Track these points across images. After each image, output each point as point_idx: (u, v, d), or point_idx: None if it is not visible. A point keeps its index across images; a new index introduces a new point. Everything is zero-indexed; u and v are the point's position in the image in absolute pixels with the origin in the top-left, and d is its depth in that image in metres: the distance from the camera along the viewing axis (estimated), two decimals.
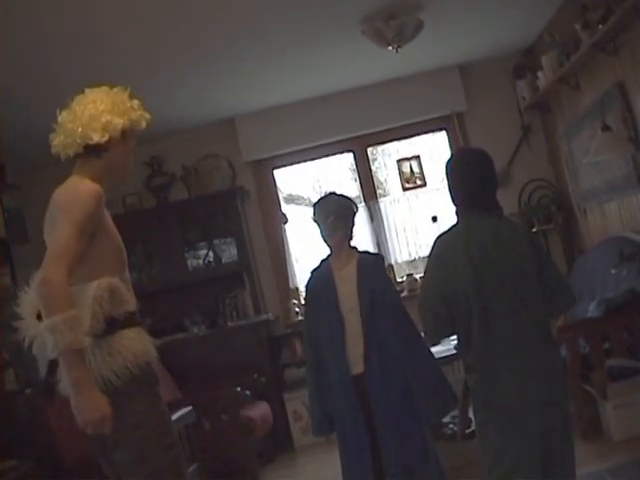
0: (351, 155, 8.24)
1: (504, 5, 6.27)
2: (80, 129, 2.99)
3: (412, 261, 8.23)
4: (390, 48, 6.02)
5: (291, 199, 8.57)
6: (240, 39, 5.79)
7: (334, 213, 4.29)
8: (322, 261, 4.41)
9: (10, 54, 5.02)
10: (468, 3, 6.06)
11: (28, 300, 2.96)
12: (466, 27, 6.66)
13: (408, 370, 4.12)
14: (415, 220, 8.02)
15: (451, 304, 3.37)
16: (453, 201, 3.59)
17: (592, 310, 5.47)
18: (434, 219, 7.68)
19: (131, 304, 3.01)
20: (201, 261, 7.77)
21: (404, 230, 8.03)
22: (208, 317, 7.65)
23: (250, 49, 6.03)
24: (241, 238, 7.75)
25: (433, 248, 3.53)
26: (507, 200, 7.60)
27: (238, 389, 6.44)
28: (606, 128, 5.78)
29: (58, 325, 2.67)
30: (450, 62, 7.68)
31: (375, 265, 4.32)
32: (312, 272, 4.44)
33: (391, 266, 7.93)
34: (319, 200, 4.43)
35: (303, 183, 8.51)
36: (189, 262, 7.78)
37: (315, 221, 4.36)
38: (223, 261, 7.79)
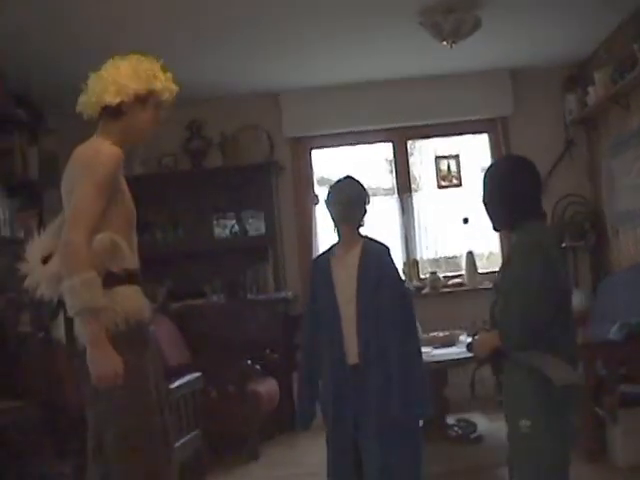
0: (390, 145, 8.20)
1: (564, 15, 6.21)
2: (99, 90, 3.15)
3: (437, 260, 8.19)
4: (445, 43, 5.98)
5: (325, 182, 8.54)
6: (295, 16, 5.77)
7: (348, 198, 4.27)
8: (330, 247, 4.42)
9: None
10: (529, 7, 5.99)
11: (37, 244, 3.16)
12: (523, 31, 6.60)
13: (391, 364, 4.09)
14: (446, 219, 7.97)
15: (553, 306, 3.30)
16: (510, 207, 3.44)
17: (614, 333, 5.42)
18: (465, 221, 7.64)
19: (131, 262, 3.11)
20: (228, 230, 7.75)
21: (433, 228, 7.99)
22: (228, 287, 7.65)
23: (303, 27, 6.02)
24: (270, 213, 7.73)
25: (533, 249, 3.37)
26: None
27: (249, 362, 6.45)
28: None
29: (76, 286, 2.84)
30: (502, 65, 7.61)
31: (379, 254, 4.24)
32: (316, 258, 4.46)
33: (416, 262, 7.91)
34: (334, 184, 4.41)
35: (339, 167, 8.46)
36: (216, 230, 7.77)
37: (327, 204, 4.35)
38: (249, 233, 7.76)
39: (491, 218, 3.49)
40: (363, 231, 4.32)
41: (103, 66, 3.23)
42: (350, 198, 4.27)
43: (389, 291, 4.13)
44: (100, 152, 3.07)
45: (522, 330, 3.11)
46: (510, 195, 3.40)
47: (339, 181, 4.41)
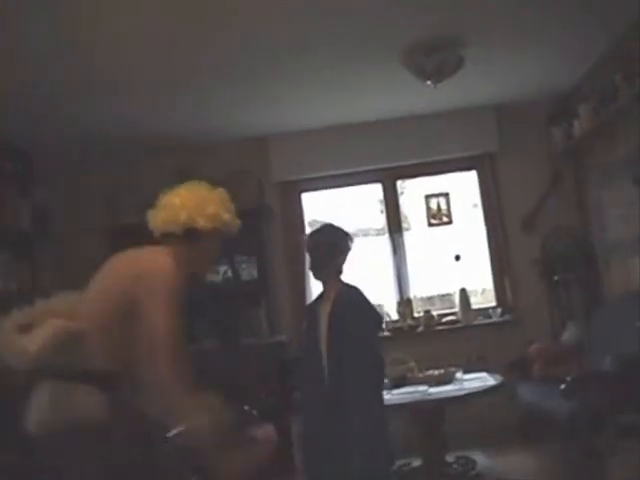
0: (380, 186, 8.23)
1: (546, 49, 6.27)
2: (186, 211, 3.18)
3: (430, 297, 8.19)
4: (429, 82, 6.03)
5: (315, 224, 8.55)
6: (279, 59, 5.82)
7: (325, 245, 4.30)
8: (320, 294, 4.46)
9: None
10: (511, 44, 6.06)
11: (26, 312, 3.05)
12: (506, 68, 6.66)
13: (351, 412, 4.11)
14: (438, 257, 7.98)
15: None
16: None
17: (608, 364, 5.41)
18: (457, 258, 7.65)
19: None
20: (220, 276, 7.75)
21: (426, 266, 8.00)
22: (222, 332, 7.63)
23: (288, 69, 6.07)
24: (262, 257, 7.73)
25: None
26: (531, 245, 7.57)
27: (245, 407, 6.40)
28: (639, 181, 5.74)
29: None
30: (486, 101, 7.67)
31: (349, 300, 4.29)
32: (307, 306, 4.50)
33: (409, 300, 7.89)
34: (314, 231, 4.45)
35: (329, 209, 8.49)
36: (207, 276, 7.76)
37: (309, 251, 4.39)
38: (242, 278, 7.76)
39: None
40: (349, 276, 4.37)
41: (183, 186, 3.32)
42: (333, 239, 4.31)
43: (351, 338, 4.17)
44: (170, 276, 3.07)
45: None
46: None
47: (319, 228, 4.46)
